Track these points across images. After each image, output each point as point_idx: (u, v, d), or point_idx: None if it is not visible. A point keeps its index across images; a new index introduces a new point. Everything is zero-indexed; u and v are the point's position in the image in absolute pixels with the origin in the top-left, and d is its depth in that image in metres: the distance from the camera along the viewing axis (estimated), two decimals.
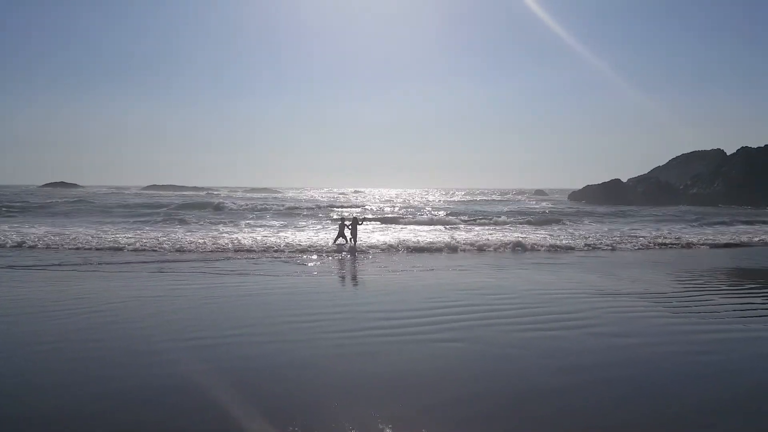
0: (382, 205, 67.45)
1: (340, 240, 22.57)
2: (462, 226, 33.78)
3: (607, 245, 24.22)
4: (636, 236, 27.24)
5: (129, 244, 22.16)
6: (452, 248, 22.56)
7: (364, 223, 23.45)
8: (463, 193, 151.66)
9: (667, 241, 26.06)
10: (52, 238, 23.49)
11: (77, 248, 21.54)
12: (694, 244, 25.36)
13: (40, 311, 11.01)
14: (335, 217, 36.47)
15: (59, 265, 17.45)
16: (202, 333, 9.35)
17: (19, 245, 21.81)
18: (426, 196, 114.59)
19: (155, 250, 21.16)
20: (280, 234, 27.15)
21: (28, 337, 9.17)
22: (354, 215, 26.17)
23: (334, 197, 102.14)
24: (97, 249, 21.34)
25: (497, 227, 33.29)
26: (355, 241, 22.24)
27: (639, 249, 23.76)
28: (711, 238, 27.33)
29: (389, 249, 22.05)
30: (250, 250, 21.31)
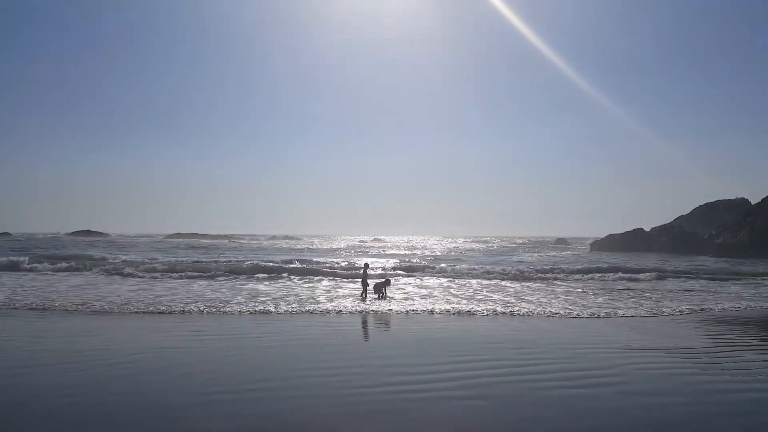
0: (411, 254, 67.25)
1: (369, 290, 22.39)
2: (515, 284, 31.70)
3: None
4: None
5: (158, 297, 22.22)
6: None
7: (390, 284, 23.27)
8: (495, 238, 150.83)
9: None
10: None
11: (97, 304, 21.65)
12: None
13: (60, 362, 11.01)
14: (358, 265, 35.45)
15: (86, 312, 17.52)
16: (220, 387, 9.22)
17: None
18: (449, 244, 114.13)
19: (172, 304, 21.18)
20: (302, 284, 27.09)
21: (47, 390, 9.11)
22: (386, 276, 25.87)
23: (357, 245, 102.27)
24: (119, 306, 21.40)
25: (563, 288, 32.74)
26: (381, 295, 21.96)
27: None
28: None
29: (414, 302, 21.84)
30: (270, 300, 21.22)
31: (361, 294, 22.45)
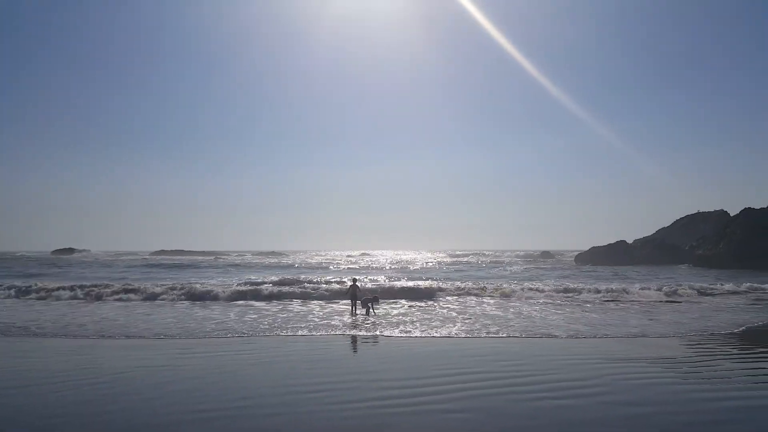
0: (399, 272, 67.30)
1: (358, 306, 22.48)
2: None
3: None
4: None
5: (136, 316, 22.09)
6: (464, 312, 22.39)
7: (378, 302, 23.22)
8: (480, 252, 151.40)
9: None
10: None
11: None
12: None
13: (46, 382, 10.97)
14: (346, 281, 34.42)
15: (66, 335, 17.39)
16: (207, 405, 9.26)
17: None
18: (434, 259, 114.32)
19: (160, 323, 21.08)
20: (290, 302, 27.07)
21: (33, 410, 9.08)
22: (372, 293, 25.68)
23: (344, 261, 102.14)
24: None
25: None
26: (368, 310, 22.03)
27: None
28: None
29: (398, 314, 21.95)
30: (259, 317, 21.20)
31: (351, 310, 22.52)
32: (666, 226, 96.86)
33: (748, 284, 33.29)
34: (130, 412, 8.84)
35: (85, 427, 8.14)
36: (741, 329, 18.33)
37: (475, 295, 29.92)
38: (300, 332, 17.70)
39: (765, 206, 68.57)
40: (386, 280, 38.50)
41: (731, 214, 77.17)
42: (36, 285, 31.83)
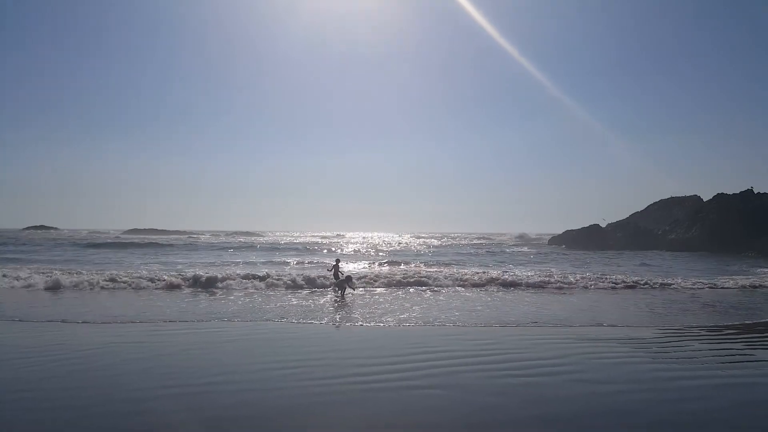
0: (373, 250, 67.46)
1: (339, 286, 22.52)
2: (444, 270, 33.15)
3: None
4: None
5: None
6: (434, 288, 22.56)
7: (355, 287, 23.20)
8: (444, 238, 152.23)
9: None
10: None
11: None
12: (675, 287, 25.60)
13: (14, 358, 10.80)
14: (330, 261, 34.51)
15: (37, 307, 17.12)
16: (181, 380, 9.20)
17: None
18: (413, 241, 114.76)
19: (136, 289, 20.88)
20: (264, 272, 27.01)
21: (2, 384, 8.94)
22: (348, 273, 25.65)
23: (319, 240, 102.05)
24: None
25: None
26: (343, 292, 22.06)
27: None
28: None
29: (374, 292, 22.04)
30: (232, 296, 21.10)
31: (334, 290, 22.62)
32: (640, 210, 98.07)
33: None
34: (105, 388, 8.73)
35: (55, 401, 8.02)
36: (712, 311, 18.72)
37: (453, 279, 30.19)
38: (275, 312, 17.64)
39: (737, 192, 70.00)
40: (369, 265, 38.76)
41: (704, 200, 78.61)
42: None
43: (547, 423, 7.33)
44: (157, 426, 7.07)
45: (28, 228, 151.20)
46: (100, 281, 23.60)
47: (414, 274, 27.98)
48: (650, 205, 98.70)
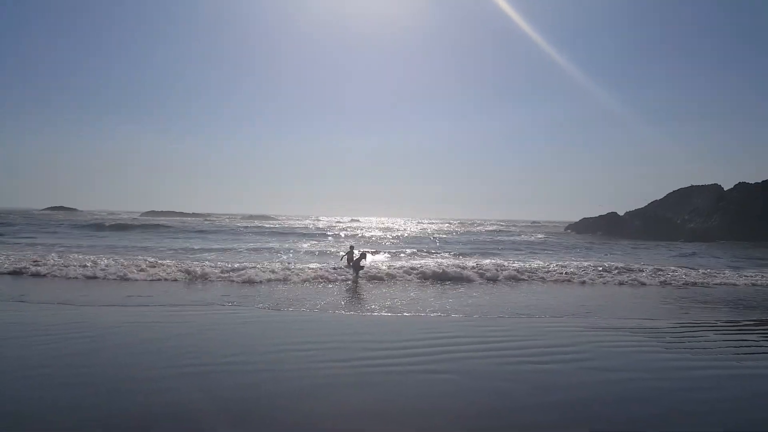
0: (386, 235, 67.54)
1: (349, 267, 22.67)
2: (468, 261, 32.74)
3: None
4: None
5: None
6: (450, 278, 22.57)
7: (368, 256, 23.41)
8: (458, 222, 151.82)
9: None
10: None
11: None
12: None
13: (29, 335, 11.02)
14: (344, 248, 35.08)
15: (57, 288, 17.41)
16: (196, 360, 9.34)
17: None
18: (427, 226, 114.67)
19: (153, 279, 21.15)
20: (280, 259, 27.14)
21: (15, 362, 9.14)
22: (361, 251, 25.75)
23: (335, 225, 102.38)
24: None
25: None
26: (357, 272, 22.20)
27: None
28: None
29: (388, 279, 22.12)
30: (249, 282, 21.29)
31: (350, 274, 22.72)
32: (659, 198, 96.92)
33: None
34: (119, 367, 8.89)
35: (70, 378, 8.19)
36: (732, 304, 18.53)
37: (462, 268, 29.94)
38: (290, 294, 17.78)
39: (759, 181, 68.93)
40: (384, 254, 38.67)
41: (725, 189, 77.48)
42: None
43: (558, 409, 7.34)
44: (171, 404, 7.20)
45: (48, 209, 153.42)
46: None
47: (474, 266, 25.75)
48: (669, 193, 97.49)
